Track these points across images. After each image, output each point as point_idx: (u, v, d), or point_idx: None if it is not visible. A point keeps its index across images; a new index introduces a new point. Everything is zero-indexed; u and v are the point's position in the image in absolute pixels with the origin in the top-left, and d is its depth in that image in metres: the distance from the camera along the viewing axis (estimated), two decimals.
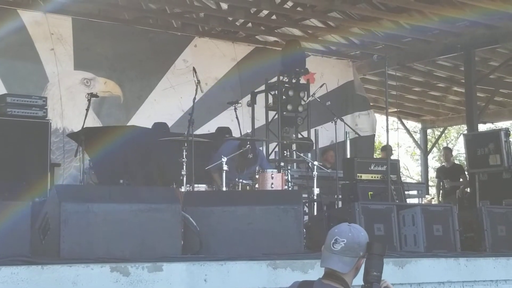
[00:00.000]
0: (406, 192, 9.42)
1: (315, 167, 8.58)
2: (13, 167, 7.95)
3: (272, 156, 10.05)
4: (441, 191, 13.55)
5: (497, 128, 14.54)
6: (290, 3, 11.62)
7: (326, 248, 3.30)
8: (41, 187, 7.77)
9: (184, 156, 7.62)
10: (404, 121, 18.64)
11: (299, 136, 10.25)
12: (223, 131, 9.87)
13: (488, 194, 10.67)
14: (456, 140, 27.64)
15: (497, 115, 17.10)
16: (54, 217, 5.12)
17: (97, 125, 10.47)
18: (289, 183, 8.58)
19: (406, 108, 17.56)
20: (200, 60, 11.64)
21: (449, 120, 18.31)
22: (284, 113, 10.06)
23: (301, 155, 9.27)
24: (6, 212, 4.95)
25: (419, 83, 16.04)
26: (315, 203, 8.67)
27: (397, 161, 9.70)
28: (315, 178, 8.50)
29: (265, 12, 11.83)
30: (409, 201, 9.84)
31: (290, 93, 10.05)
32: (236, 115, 9.54)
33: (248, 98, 10.70)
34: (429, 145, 19.45)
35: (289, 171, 8.78)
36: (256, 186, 7.85)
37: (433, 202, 14.68)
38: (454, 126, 23.94)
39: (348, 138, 10.13)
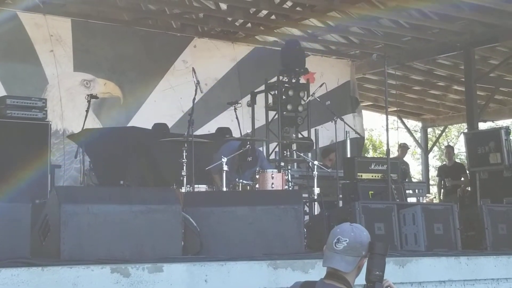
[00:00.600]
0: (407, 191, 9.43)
1: (316, 166, 8.57)
2: (13, 169, 7.94)
3: (272, 156, 10.05)
4: (442, 190, 13.54)
5: (498, 126, 14.54)
6: (289, 3, 11.62)
7: (328, 247, 3.31)
8: (41, 189, 7.76)
9: (184, 157, 7.62)
10: (405, 120, 18.64)
11: (299, 136, 10.24)
12: (223, 132, 9.87)
13: (488, 192, 10.67)
14: (457, 139, 27.64)
15: (498, 114, 17.09)
16: (54, 218, 5.12)
17: (97, 127, 10.46)
18: (290, 183, 8.57)
19: (406, 107, 17.55)
20: (200, 60, 11.64)
21: (449, 119, 18.31)
22: (284, 113, 10.05)
23: (301, 155, 9.26)
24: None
25: (419, 82, 16.03)
26: (316, 202, 8.66)
27: (405, 163, 9.66)
28: (316, 178, 8.50)
29: (264, 12, 11.82)
30: (410, 200, 9.84)
31: (290, 93, 10.04)
32: (236, 115, 9.53)
33: (248, 98, 10.69)
34: (430, 144, 19.44)
35: (289, 171, 8.77)
36: (257, 186, 7.84)
37: (434, 201, 14.68)
38: (455, 125, 23.94)
39: (348, 138, 10.12)
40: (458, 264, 6.19)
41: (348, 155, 10.37)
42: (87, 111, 9.05)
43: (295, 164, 9.78)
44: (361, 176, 8.96)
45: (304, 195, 8.51)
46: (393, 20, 12.31)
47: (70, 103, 10.64)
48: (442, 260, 6.16)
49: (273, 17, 12.03)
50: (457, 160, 15.69)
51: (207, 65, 11.76)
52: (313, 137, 10.24)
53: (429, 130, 20.08)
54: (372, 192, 8.86)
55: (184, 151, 7.64)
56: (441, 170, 13.90)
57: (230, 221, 5.84)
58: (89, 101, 9.13)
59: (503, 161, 10.66)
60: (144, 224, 5.29)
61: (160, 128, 9.83)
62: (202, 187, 7.70)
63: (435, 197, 15.40)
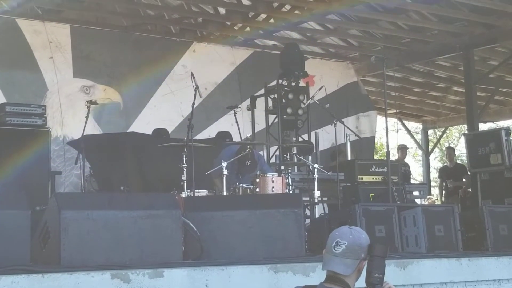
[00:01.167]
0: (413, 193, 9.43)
1: (316, 170, 8.57)
2: (13, 176, 7.94)
3: (272, 160, 10.04)
4: (443, 191, 13.53)
5: (498, 127, 14.53)
6: (288, 6, 11.63)
7: (328, 251, 3.31)
8: (41, 196, 7.76)
9: (184, 162, 7.62)
10: (405, 122, 18.64)
11: (300, 139, 10.23)
12: (223, 136, 9.87)
13: (489, 193, 10.66)
14: (458, 140, 27.61)
15: (498, 114, 17.08)
16: (54, 225, 5.11)
17: (97, 133, 10.46)
18: (290, 186, 8.57)
19: (406, 109, 17.56)
20: (199, 65, 11.63)
21: (450, 120, 18.30)
22: (284, 116, 10.05)
23: (302, 158, 9.25)
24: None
25: (419, 83, 16.03)
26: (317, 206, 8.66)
27: (406, 164, 9.66)
28: (316, 181, 8.49)
29: (263, 16, 11.83)
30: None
31: (290, 96, 10.03)
32: (236, 120, 9.53)
33: (247, 102, 10.69)
34: (431, 145, 19.43)
35: (289, 174, 8.77)
36: (257, 190, 7.83)
37: (436, 203, 14.66)
38: (456, 126, 23.92)
39: (348, 141, 10.11)
40: (459, 266, 6.18)
41: (349, 158, 10.35)
42: (87, 117, 9.05)
43: (296, 167, 9.77)
44: (362, 178, 8.96)
45: (304, 198, 8.50)
46: (392, 22, 12.31)
47: (70, 109, 10.64)
48: (443, 262, 6.15)
49: (271, 20, 12.04)
50: (458, 162, 15.69)
51: (207, 69, 11.76)
52: (313, 140, 10.23)
53: (430, 131, 20.07)
54: (373, 194, 8.86)
55: (184, 156, 7.63)
56: (443, 172, 13.89)
57: (231, 225, 5.83)
58: (89, 107, 9.14)
59: (503, 161, 10.65)
60: (144, 230, 5.28)
61: (160, 133, 9.84)
62: (203, 192, 7.69)
63: (437, 199, 15.40)
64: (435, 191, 16.07)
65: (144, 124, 10.88)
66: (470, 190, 12.35)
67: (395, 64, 12.85)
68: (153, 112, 11.38)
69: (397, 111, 16.02)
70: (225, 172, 7.62)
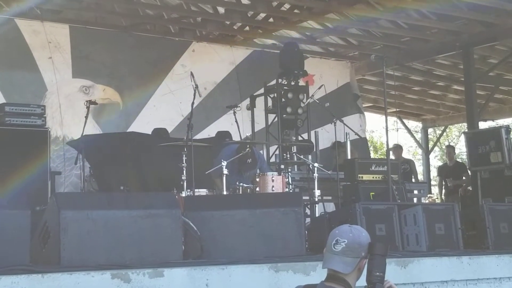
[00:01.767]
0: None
1: (316, 169, 8.56)
2: (13, 176, 7.94)
3: (272, 159, 10.03)
4: (443, 190, 13.52)
5: (498, 125, 14.52)
6: (287, 6, 11.61)
7: (328, 249, 3.31)
8: (41, 196, 7.76)
9: (184, 161, 7.61)
10: (405, 121, 18.63)
11: (299, 138, 10.22)
12: (223, 135, 9.86)
13: (490, 191, 10.66)
14: (457, 139, 27.62)
15: (498, 113, 17.08)
16: (54, 225, 5.11)
17: (97, 132, 10.45)
18: (290, 186, 8.56)
19: (406, 108, 17.55)
20: (199, 64, 11.63)
21: (450, 118, 18.30)
22: (284, 115, 10.04)
23: (302, 157, 9.24)
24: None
25: (419, 82, 16.03)
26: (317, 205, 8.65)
27: (409, 161, 9.65)
28: (316, 180, 8.48)
29: (262, 15, 11.82)
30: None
31: (289, 95, 10.01)
32: (236, 119, 9.52)
33: (247, 101, 10.68)
34: (431, 144, 19.43)
35: (289, 173, 8.76)
36: (257, 189, 7.82)
37: (437, 201, 14.66)
38: (456, 125, 23.93)
39: (348, 139, 10.10)
40: (460, 264, 6.17)
41: (349, 157, 10.33)
42: (86, 117, 9.05)
43: (296, 166, 9.77)
44: (362, 177, 8.95)
45: (304, 197, 8.49)
46: (392, 21, 12.30)
47: (70, 109, 10.63)
48: (444, 260, 6.14)
49: (271, 19, 12.03)
50: (458, 160, 15.68)
51: (206, 69, 11.74)
52: (313, 139, 10.22)
53: (430, 130, 20.07)
54: (373, 193, 8.85)
55: (184, 155, 7.63)
56: (442, 170, 13.88)
57: (231, 224, 5.83)
58: (88, 107, 9.15)
59: (504, 160, 10.65)
60: (144, 229, 5.28)
61: (159, 133, 9.83)
62: (203, 191, 7.69)
63: (437, 197, 15.39)
64: (435, 190, 16.05)
65: (143, 124, 10.87)
66: (470, 188, 12.35)
67: (395, 63, 12.82)
68: (153, 112, 11.38)
69: (397, 109, 16.00)
70: (225, 171, 7.61)
